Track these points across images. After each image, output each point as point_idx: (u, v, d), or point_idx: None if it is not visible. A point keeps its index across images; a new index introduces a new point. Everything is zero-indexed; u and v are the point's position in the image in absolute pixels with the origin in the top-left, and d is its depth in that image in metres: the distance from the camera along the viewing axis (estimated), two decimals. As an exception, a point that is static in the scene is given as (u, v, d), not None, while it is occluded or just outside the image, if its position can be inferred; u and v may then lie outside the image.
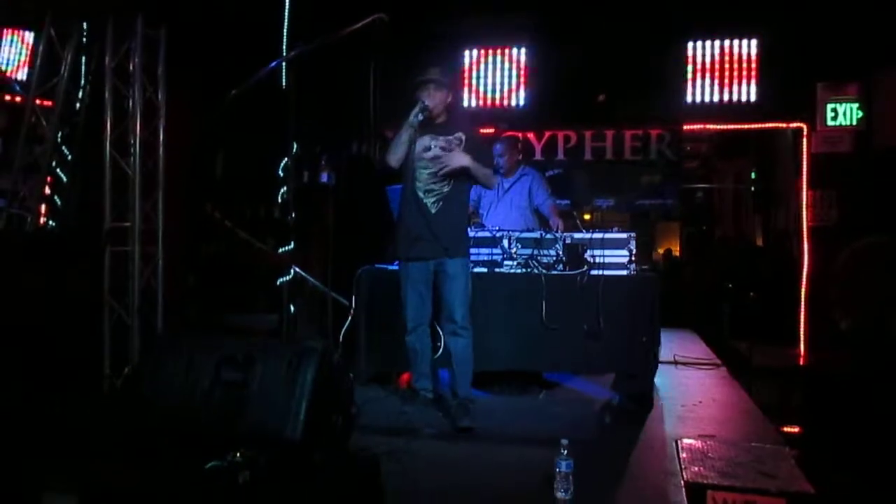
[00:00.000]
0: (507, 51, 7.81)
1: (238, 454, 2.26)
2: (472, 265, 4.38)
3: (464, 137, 4.11)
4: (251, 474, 2.23)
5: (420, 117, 4.01)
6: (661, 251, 12.98)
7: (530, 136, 7.97)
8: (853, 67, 6.84)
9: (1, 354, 4.22)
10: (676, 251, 13.08)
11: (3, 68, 6.38)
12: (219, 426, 2.27)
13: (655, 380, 4.70)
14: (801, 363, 6.73)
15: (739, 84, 7.25)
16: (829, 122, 6.93)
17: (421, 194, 4.11)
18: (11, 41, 6.63)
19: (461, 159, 4.02)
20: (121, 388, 4.83)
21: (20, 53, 6.72)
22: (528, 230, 5.07)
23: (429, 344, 4.35)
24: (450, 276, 4.08)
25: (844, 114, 6.88)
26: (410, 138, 4.07)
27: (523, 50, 7.79)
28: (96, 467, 2.39)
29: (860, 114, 6.86)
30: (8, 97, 5.98)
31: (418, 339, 4.27)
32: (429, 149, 4.11)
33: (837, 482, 3.37)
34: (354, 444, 2.58)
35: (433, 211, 4.09)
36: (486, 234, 4.89)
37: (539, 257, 4.78)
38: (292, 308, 5.98)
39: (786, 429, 4.28)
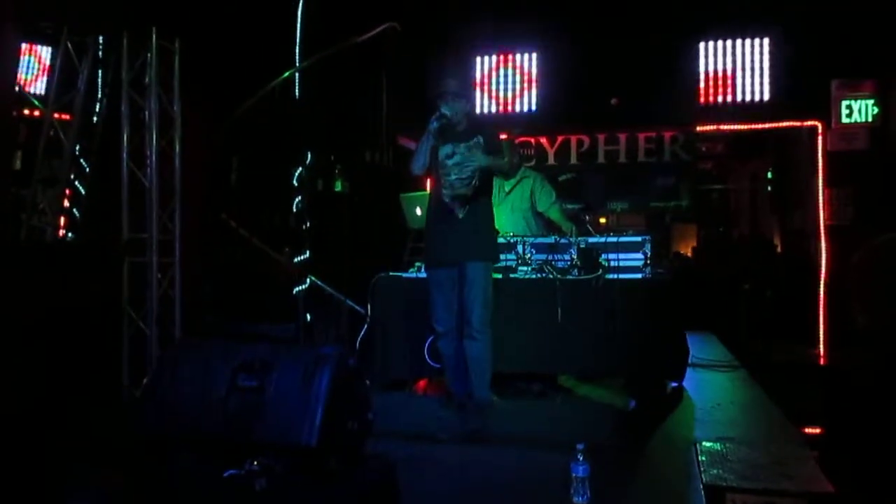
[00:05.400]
0: (518, 56, 7.82)
1: (255, 462, 2.29)
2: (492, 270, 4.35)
3: (482, 139, 4.19)
4: (268, 482, 2.25)
5: (436, 124, 4.10)
6: (675, 252, 12.90)
7: (543, 140, 7.98)
8: (868, 64, 6.79)
9: (21, 365, 4.28)
10: (690, 252, 12.99)
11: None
12: (235, 432, 2.28)
13: (672, 383, 4.69)
14: (822, 363, 6.67)
15: (752, 84, 7.22)
16: (845, 120, 6.87)
17: (447, 200, 4.18)
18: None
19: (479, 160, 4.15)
20: (139, 396, 4.88)
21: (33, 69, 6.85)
22: (532, 234, 5.09)
23: (459, 348, 4.31)
24: (469, 279, 4.14)
25: (860, 111, 6.82)
26: (431, 145, 4.18)
27: (534, 54, 7.80)
28: (115, 476, 2.42)
29: (876, 110, 6.80)
30: (27, 111, 6.06)
31: (448, 344, 4.30)
32: (451, 155, 4.19)
33: (859, 482, 3.34)
34: (370, 450, 2.59)
35: (460, 216, 4.17)
36: (501, 240, 4.89)
37: (554, 262, 4.78)
38: (308, 316, 6.03)
39: (807, 430, 4.23)
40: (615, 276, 4.63)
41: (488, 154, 4.15)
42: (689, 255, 12.32)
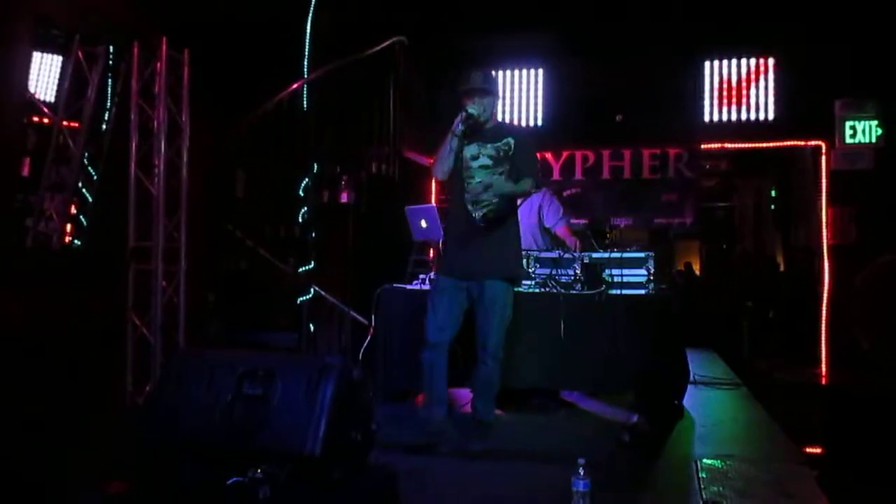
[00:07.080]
0: (525, 71, 7.88)
1: (259, 470, 2.30)
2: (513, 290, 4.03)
3: (513, 142, 3.88)
4: (271, 490, 2.26)
5: (462, 126, 3.77)
6: (680, 268, 12.94)
7: (548, 155, 8.00)
8: (871, 84, 6.82)
9: (26, 370, 4.30)
10: (695, 268, 13.02)
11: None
12: (239, 441, 2.30)
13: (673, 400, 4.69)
14: (823, 382, 6.66)
15: (757, 102, 7.27)
16: (848, 140, 6.90)
17: (469, 206, 3.86)
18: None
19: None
20: (143, 403, 4.89)
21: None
22: (539, 249, 5.09)
23: (445, 364, 3.99)
24: (488, 299, 3.84)
25: (863, 131, 6.85)
26: (456, 148, 3.83)
27: (541, 70, 7.85)
28: (119, 483, 2.43)
29: (879, 131, 6.83)
30: (36, 118, 6.11)
31: (437, 356, 3.92)
32: (477, 157, 3.88)
33: (859, 502, 3.34)
34: (373, 461, 2.60)
35: (482, 225, 3.85)
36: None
37: (557, 277, 4.79)
38: (312, 326, 6.05)
39: (808, 449, 4.23)
40: (618, 291, 4.63)
41: (516, 167, 3.83)
42: (694, 268, 12.37)
